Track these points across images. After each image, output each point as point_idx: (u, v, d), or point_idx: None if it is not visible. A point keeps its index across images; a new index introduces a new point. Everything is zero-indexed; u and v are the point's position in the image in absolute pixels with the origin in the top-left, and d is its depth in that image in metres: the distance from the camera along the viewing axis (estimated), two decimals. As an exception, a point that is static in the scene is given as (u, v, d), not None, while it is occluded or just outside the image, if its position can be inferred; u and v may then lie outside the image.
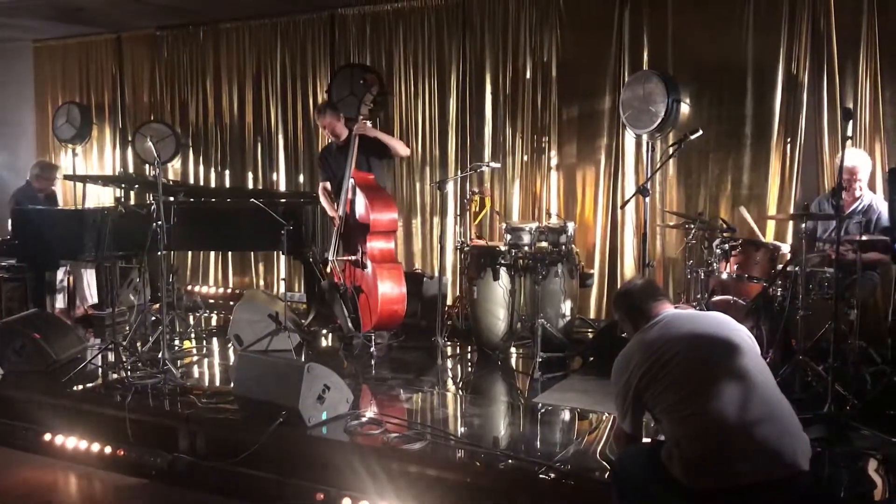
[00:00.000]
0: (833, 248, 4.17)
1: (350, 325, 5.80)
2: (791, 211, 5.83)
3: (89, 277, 7.26)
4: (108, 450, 4.37)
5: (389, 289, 5.64)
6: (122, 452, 4.33)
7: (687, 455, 2.73)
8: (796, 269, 4.57)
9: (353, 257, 5.72)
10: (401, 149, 6.05)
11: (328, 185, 6.04)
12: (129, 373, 4.96)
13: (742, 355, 2.83)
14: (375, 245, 5.72)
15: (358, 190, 5.73)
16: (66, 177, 8.02)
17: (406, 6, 7.30)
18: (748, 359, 2.83)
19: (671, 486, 2.78)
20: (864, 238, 4.58)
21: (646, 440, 3.17)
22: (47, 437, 4.56)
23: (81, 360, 5.27)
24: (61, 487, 4.27)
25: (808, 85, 5.84)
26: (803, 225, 4.54)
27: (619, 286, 3.57)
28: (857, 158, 5.04)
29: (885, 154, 5.58)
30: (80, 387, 4.91)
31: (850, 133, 4.33)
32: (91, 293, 7.27)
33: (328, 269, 6.23)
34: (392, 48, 7.42)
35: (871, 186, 5.43)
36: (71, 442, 4.48)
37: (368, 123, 5.89)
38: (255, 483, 3.96)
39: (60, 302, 6.99)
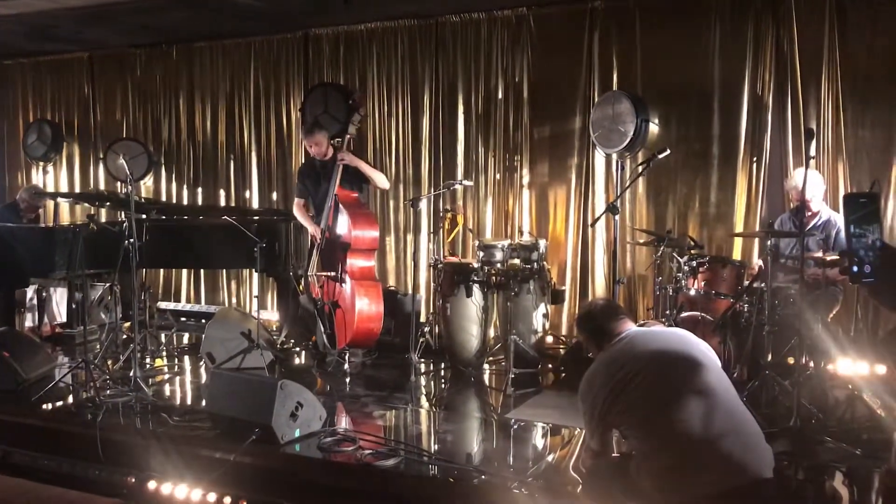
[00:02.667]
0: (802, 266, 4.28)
1: (325, 340, 5.81)
2: (757, 228, 5.95)
3: (58, 296, 7.19)
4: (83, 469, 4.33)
5: (366, 306, 5.66)
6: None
7: (654, 468, 2.79)
8: (762, 285, 4.68)
9: (332, 273, 5.73)
10: (380, 182, 6.03)
11: (303, 202, 6.04)
12: (99, 391, 4.91)
13: (705, 371, 2.90)
14: (355, 263, 5.75)
15: (341, 207, 5.75)
16: (39, 194, 7.95)
17: (379, 26, 7.37)
18: (711, 374, 2.90)
19: (641, 499, 2.83)
20: (829, 258, 4.69)
21: (615, 455, 3.22)
22: (17, 456, 4.50)
23: (51, 379, 5.21)
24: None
25: (772, 106, 5.99)
26: (768, 242, 4.65)
27: (580, 312, 3.66)
28: (799, 179, 5.11)
29: (847, 174, 5.73)
30: (51, 405, 4.87)
31: (812, 153, 4.45)
32: (59, 311, 7.20)
33: (300, 287, 6.24)
34: (365, 68, 7.47)
35: (835, 206, 5.57)
36: (41, 461, 4.42)
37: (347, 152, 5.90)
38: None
39: (29, 320, 6.92)
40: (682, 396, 2.81)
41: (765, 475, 2.77)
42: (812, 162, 4.61)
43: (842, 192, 5.73)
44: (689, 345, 3.02)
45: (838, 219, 5.22)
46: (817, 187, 5.22)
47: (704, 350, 3.03)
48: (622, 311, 3.29)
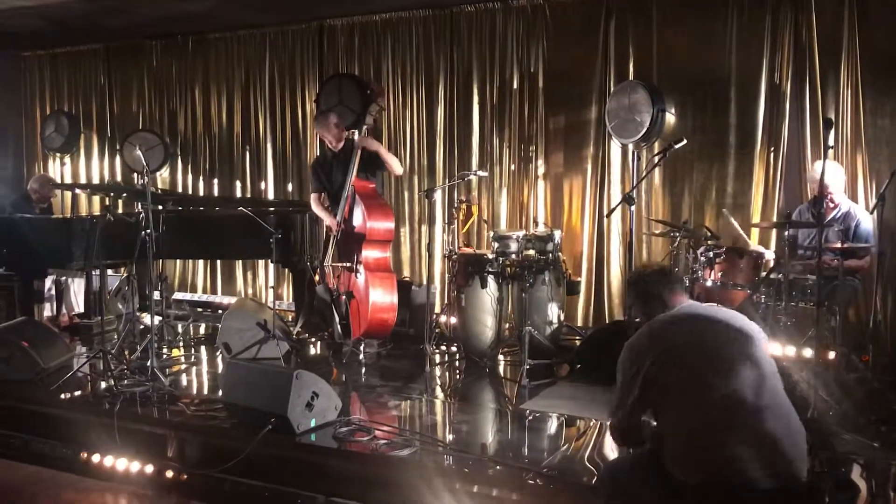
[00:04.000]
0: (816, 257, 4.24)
1: (340, 331, 5.83)
2: (774, 219, 5.90)
3: (75, 286, 7.25)
4: (96, 458, 4.37)
5: (380, 297, 5.67)
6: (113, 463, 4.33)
7: (689, 445, 2.73)
8: (779, 276, 4.64)
9: (348, 264, 5.75)
10: (396, 167, 6.05)
11: (321, 195, 6.06)
12: (117, 381, 4.95)
13: (756, 345, 2.85)
14: (370, 254, 5.75)
15: (357, 198, 5.75)
16: (55, 185, 8.01)
17: (394, 16, 7.36)
18: (761, 350, 2.84)
19: (665, 486, 2.78)
20: (845, 246, 4.66)
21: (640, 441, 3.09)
22: (36, 445, 4.55)
23: (69, 369, 5.26)
24: (49, 495, 4.27)
25: (790, 95, 5.93)
26: (786, 233, 4.62)
27: (632, 273, 3.51)
28: (826, 172, 5.06)
29: (867, 164, 5.66)
30: (69, 395, 4.91)
31: (831, 143, 4.41)
32: (77, 301, 7.26)
33: (316, 277, 6.26)
34: (380, 58, 7.46)
35: (854, 196, 5.52)
36: (59, 450, 4.47)
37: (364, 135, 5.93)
38: (244, 490, 3.97)
39: (48, 310, 6.98)
40: (735, 363, 2.75)
41: (799, 469, 2.72)
42: (830, 152, 4.56)
43: (861, 183, 5.67)
44: (742, 320, 2.95)
45: (858, 210, 5.17)
46: (839, 179, 5.17)
47: (756, 329, 2.95)
48: (679, 282, 3.19)
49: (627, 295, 3.30)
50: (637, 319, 3.22)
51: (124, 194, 7.24)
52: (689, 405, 2.78)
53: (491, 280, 5.62)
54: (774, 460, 2.68)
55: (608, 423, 3.14)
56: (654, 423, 2.98)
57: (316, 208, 6.09)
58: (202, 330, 7.14)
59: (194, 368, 5.88)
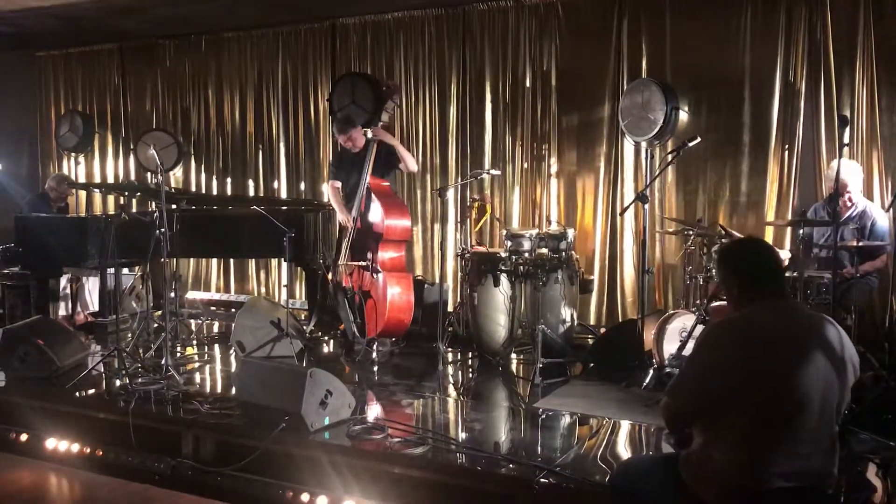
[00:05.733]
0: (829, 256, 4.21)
1: (354, 330, 5.84)
2: (789, 217, 5.87)
3: (90, 284, 7.30)
4: (109, 455, 4.40)
5: (398, 297, 5.68)
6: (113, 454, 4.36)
7: (730, 461, 2.55)
8: (794, 274, 4.62)
9: (364, 263, 5.75)
10: (411, 163, 6.06)
11: (338, 184, 6.08)
12: (132, 379, 4.98)
13: (837, 359, 2.59)
14: (387, 253, 5.76)
15: (374, 196, 5.76)
16: (71, 183, 8.06)
17: (407, 15, 7.36)
18: (839, 368, 2.59)
19: (677, 495, 2.73)
20: (860, 244, 4.63)
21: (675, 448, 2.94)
22: (51, 442, 4.58)
23: (85, 367, 5.29)
24: (64, 492, 4.30)
25: (805, 93, 5.90)
26: (800, 231, 4.59)
27: (724, 246, 3.09)
28: (845, 170, 5.02)
29: (882, 161, 5.63)
30: (84, 393, 4.94)
31: (846, 140, 4.38)
32: (92, 300, 7.30)
33: (329, 275, 6.27)
34: (393, 57, 7.47)
35: (869, 194, 5.49)
36: (74, 447, 4.51)
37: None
38: (258, 488, 3.99)
39: (63, 309, 7.03)
40: (810, 390, 2.50)
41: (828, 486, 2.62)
42: (845, 150, 4.52)
43: (876, 181, 5.64)
44: (844, 344, 2.64)
45: (874, 209, 5.15)
46: (858, 179, 5.15)
47: (850, 353, 2.65)
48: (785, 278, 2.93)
49: (724, 266, 2.81)
50: (721, 295, 2.87)
51: (138, 193, 7.29)
52: (749, 425, 2.54)
53: (504, 279, 5.62)
54: (806, 478, 2.55)
55: (662, 401, 2.83)
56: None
57: (332, 196, 6.11)
58: (216, 328, 7.16)
59: (208, 367, 5.89)
